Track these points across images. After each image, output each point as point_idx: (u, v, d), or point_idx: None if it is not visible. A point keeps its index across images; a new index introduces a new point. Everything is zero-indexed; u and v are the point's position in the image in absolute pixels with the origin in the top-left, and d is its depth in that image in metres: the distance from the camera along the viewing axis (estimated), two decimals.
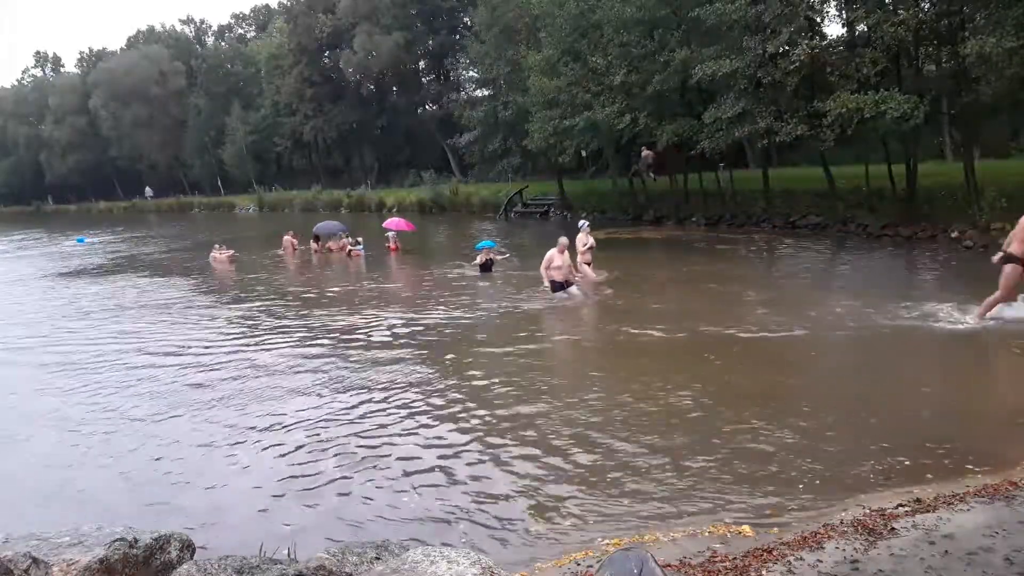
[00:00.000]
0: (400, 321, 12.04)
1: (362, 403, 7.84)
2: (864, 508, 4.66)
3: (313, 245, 23.35)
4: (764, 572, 3.78)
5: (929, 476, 5.17)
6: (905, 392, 7.00)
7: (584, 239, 14.33)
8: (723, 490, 5.25)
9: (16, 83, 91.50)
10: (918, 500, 4.66)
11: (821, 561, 3.83)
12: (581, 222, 15.11)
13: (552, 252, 12.31)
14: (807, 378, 8.03)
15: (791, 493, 5.13)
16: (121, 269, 23.36)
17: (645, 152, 26.18)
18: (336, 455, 6.49)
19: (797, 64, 16.92)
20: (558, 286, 12.30)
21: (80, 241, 35.12)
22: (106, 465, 6.66)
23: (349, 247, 22.25)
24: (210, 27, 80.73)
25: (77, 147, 74.71)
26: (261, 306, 14.52)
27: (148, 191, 72.81)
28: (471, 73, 44.38)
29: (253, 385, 8.80)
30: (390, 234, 21.91)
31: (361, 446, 6.65)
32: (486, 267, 16.16)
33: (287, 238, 24.14)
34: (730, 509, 4.97)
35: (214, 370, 9.66)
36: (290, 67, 56.12)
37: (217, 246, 23.43)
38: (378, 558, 3.61)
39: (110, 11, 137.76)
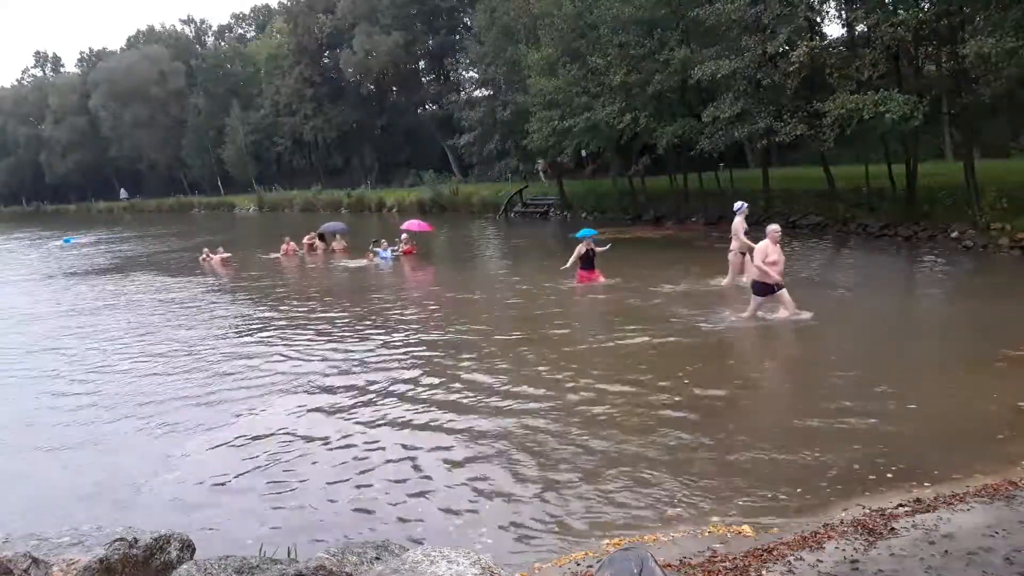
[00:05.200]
0: (406, 322, 12.04)
1: (364, 405, 7.84)
2: (864, 508, 4.65)
3: (319, 244, 23.31)
4: (764, 572, 3.78)
5: (929, 476, 5.17)
6: (906, 392, 7.00)
7: (743, 223, 12.38)
8: (723, 490, 5.25)
9: (16, 83, 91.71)
10: (918, 500, 4.65)
11: (821, 561, 3.83)
12: (737, 204, 12.71)
13: (765, 243, 9.74)
14: (809, 379, 8.03)
15: (791, 493, 5.13)
16: (117, 270, 23.35)
17: (540, 161, 33.44)
18: (337, 456, 6.49)
19: (797, 65, 16.92)
20: (766, 288, 9.79)
21: (67, 241, 35.50)
22: (103, 465, 6.66)
23: (341, 247, 22.38)
24: (210, 27, 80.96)
25: (77, 147, 74.78)
26: (268, 306, 14.53)
27: (123, 193, 73.08)
28: (471, 73, 44.44)
29: (257, 386, 8.80)
30: (405, 236, 21.27)
31: (361, 446, 6.65)
32: (587, 260, 13.69)
33: (292, 244, 23.61)
34: (730, 509, 4.96)
35: (220, 370, 9.66)
36: (290, 67, 56.20)
37: (207, 249, 23.28)
38: (378, 558, 3.61)
39: (110, 11, 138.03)
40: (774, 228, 9.88)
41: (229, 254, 22.74)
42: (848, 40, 19.87)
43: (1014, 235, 14.62)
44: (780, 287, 9.76)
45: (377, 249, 20.34)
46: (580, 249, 13.60)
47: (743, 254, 12.20)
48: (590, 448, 6.17)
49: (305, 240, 23.92)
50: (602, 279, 13.70)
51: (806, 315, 9.86)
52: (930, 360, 8.42)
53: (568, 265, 13.72)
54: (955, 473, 5.17)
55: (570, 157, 27.65)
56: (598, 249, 13.83)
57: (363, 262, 19.94)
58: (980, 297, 11.22)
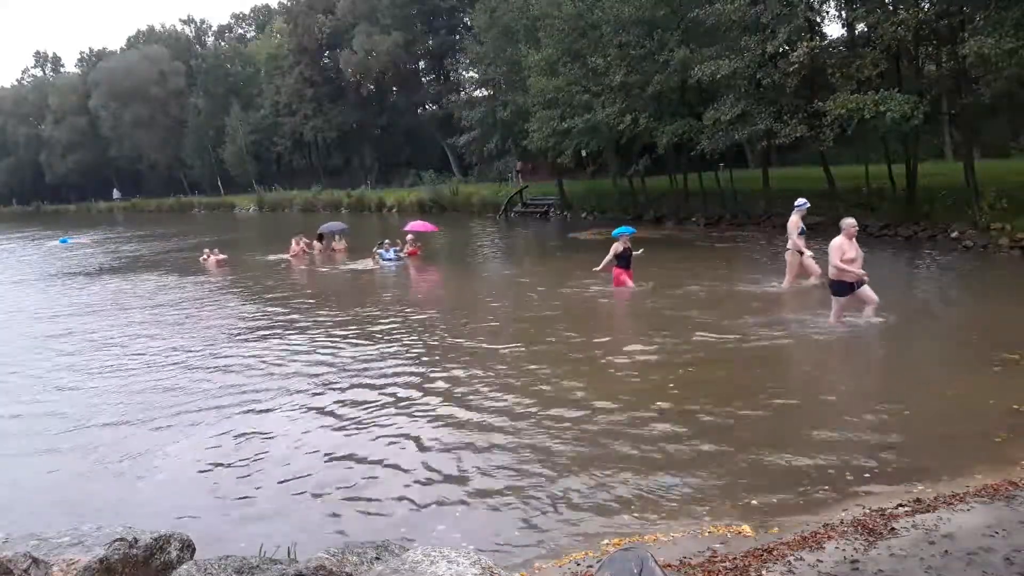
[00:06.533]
0: (411, 325, 12.04)
1: (363, 407, 7.83)
2: (864, 508, 4.65)
3: (317, 245, 23.19)
4: (764, 572, 3.78)
5: (929, 476, 5.17)
6: (906, 392, 7.00)
7: (799, 222, 11.78)
8: (723, 490, 5.25)
9: (16, 83, 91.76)
10: (918, 500, 4.65)
11: (821, 561, 3.83)
12: (799, 201, 12.08)
13: (839, 240, 9.05)
14: (809, 379, 8.02)
15: (791, 493, 5.13)
16: (116, 270, 23.35)
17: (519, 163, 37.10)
18: (336, 456, 6.49)
19: (797, 65, 16.92)
20: (846, 287, 9.11)
21: (63, 242, 35.71)
22: (102, 466, 6.66)
23: (335, 246, 22.46)
24: (210, 27, 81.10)
25: (77, 147, 74.85)
26: (267, 309, 14.52)
27: (116, 193, 73.33)
28: (471, 73, 44.45)
29: (255, 387, 8.80)
30: (409, 237, 20.78)
31: (361, 447, 6.65)
32: (624, 259, 12.75)
33: (297, 244, 23.10)
34: (730, 509, 4.96)
35: (222, 370, 9.66)
36: (290, 67, 56.28)
37: (208, 249, 23.17)
38: (378, 558, 3.61)
39: (110, 11, 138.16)
40: (849, 222, 9.16)
41: (225, 255, 22.52)
42: (848, 40, 19.88)
43: (1014, 235, 14.63)
44: (861, 283, 9.07)
45: (380, 251, 19.86)
46: (616, 247, 12.69)
47: (800, 253, 11.79)
48: (590, 448, 6.17)
49: (295, 247, 22.84)
50: (630, 284, 12.84)
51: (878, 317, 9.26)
52: (930, 361, 8.41)
53: (601, 266, 12.88)
54: (955, 473, 5.17)
55: (570, 157, 27.63)
56: (637, 252, 13.01)
57: (369, 263, 19.58)
58: (980, 298, 11.22)
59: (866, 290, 9.09)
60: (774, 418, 6.54)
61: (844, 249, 8.98)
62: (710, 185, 25.08)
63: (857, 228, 9.23)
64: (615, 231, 13.29)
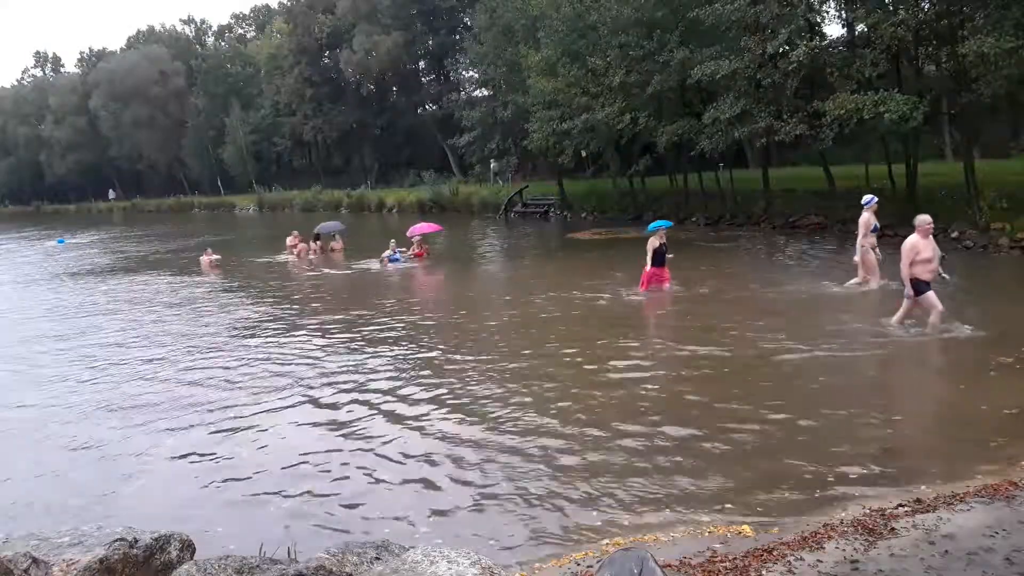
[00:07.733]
0: (416, 327, 12.03)
1: (363, 407, 7.83)
2: (864, 508, 4.65)
3: (312, 245, 23.10)
4: (764, 572, 3.78)
5: (929, 476, 5.17)
6: (906, 393, 7.01)
7: (870, 220, 11.41)
8: (723, 490, 5.25)
9: (16, 83, 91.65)
10: (918, 500, 4.65)
11: (821, 561, 3.83)
12: (867, 197, 11.69)
13: (914, 239, 8.64)
14: (809, 380, 8.02)
15: (791, 493, 5.13)
16: (114, 271, 23.34)
17: (493, 163, 36.88)
18: (336, 456, 6.49)
19: (796, 65, 16.92)
20: (924, 285, 8.69)
21: (60, 242, 35.92)
22: (106, 466, 6.66)
23: (333, 246, 22.52)
24: (210, 27, 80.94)
25: (77, 147, 74.69)
26: (265, 311, 14.52)
27: (112, 193, 73.48)
28: (471, 73, 44.47)
29: (255, 388, 8.81)
30: (415, 239, 20.39)
31: (361, 448, 6.65)
32: (659, 256, 12.15)
33: (295, 240, 23.01)
34: (730, 509, 4.96)
35: (222, 371, 9.66)
36: (290, 67, 56.18)
37: (209, 250, 23.12)
38: (378, 558, 3.62)
39: (110, 11, 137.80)
40: (923, 219, 8.72)
41: (218, 256, 22.37)
42: (848, 40, 19.88)
43: (1014, 235, 14.62)
44: (922, 291, 8.55)
45: (386, 252, 19.58)
46: (653, 243, 12.00)
47: (873, 250, 11.48)
48: (590, 449, 6.17)
49: (291, 241, 23.01)
50: (668, 285, 12.29)
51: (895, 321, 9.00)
52: (928, 363, 8.41)
53: (648, 265, 12.24)
54: (955, 473, 5.17)
55: (570, 157, 27.62)
56: (669, 256, 12.36)
57: (374, 264, 19.42)
58: (979, 299, 11.20)
59: (928, 297, 8.68)
60: (774, 419, 6.54)
61: (919, 248, 8.56)
62: (710, 185, 25.08)
63: (932, 225, 8.73)
64: (650, 225, 12.63)
